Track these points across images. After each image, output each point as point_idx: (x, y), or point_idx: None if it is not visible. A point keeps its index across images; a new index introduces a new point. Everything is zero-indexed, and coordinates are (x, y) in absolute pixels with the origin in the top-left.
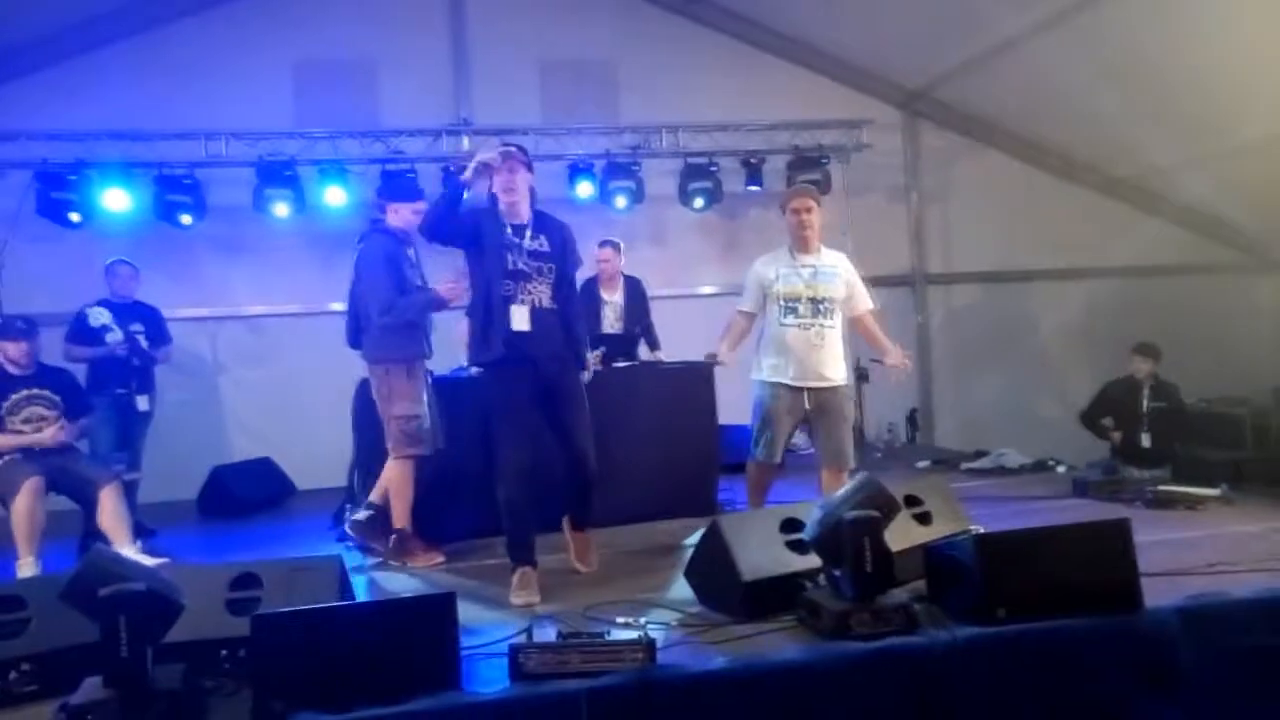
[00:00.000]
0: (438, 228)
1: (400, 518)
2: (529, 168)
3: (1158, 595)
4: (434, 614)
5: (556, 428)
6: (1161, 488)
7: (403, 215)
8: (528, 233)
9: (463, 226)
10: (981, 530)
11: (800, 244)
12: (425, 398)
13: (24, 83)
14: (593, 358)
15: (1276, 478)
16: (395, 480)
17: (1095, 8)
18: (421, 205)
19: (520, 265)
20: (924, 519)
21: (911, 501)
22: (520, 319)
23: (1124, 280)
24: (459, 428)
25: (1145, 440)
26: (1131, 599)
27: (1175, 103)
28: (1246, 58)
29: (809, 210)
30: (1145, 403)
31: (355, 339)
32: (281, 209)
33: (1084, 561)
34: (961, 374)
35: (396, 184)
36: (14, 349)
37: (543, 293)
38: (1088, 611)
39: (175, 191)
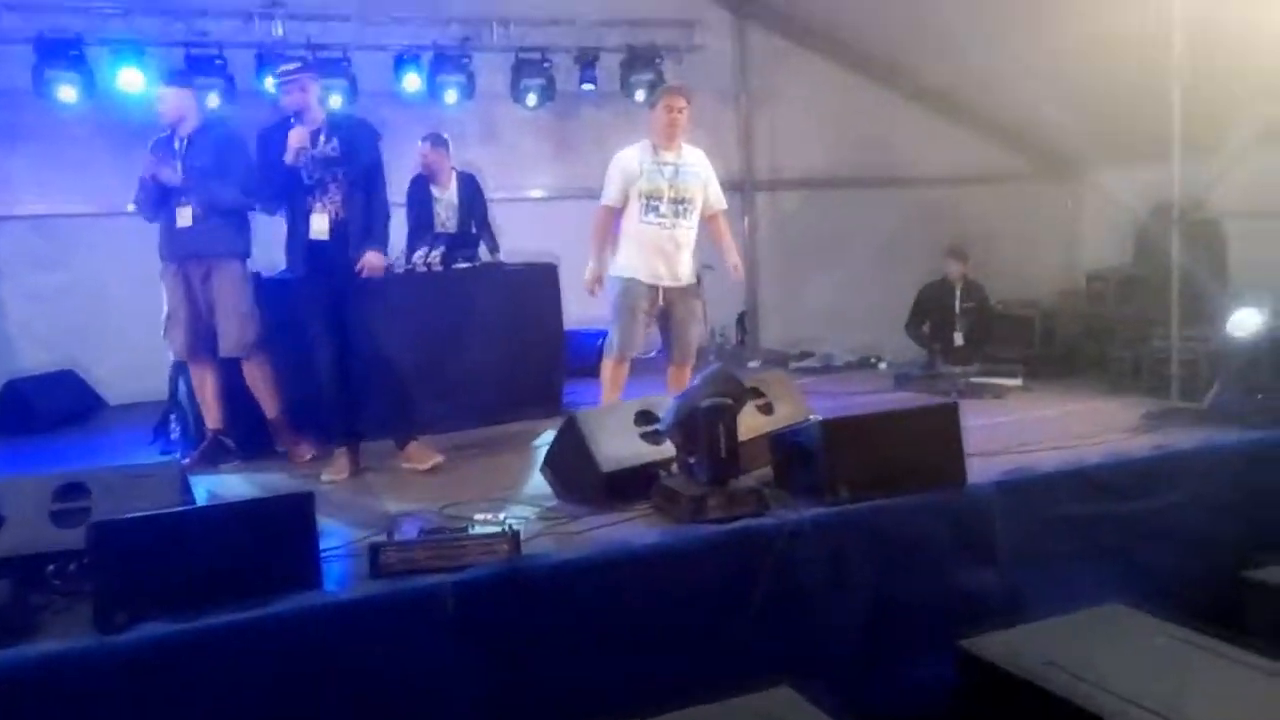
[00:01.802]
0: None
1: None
2: (314, 77)
3: (974, 474)
4: (290, 514)
5: (351, 332)
6: (972, 380)
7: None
8: (321, 139)
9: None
10: (822, 419)
11: (665, 140)
12: (176, 300)
13: None
14: (432, 257)
15: (1062, 372)
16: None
17: None
18: (167, 93)
19: (315, 177)
20: (767, 409)
21: (755, 394)
22: (320, 227)
23: (935, 189)
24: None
25: (958, 339)
26: (958, 475)
27: (994, 6)
28: None
29: (681, 110)
30: (958, 304)
31: None
32: (68, 93)
33: (917, 442)
34: (787, 278)
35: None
36: None
37: (338, 198)
38: (920, 488)
39: None
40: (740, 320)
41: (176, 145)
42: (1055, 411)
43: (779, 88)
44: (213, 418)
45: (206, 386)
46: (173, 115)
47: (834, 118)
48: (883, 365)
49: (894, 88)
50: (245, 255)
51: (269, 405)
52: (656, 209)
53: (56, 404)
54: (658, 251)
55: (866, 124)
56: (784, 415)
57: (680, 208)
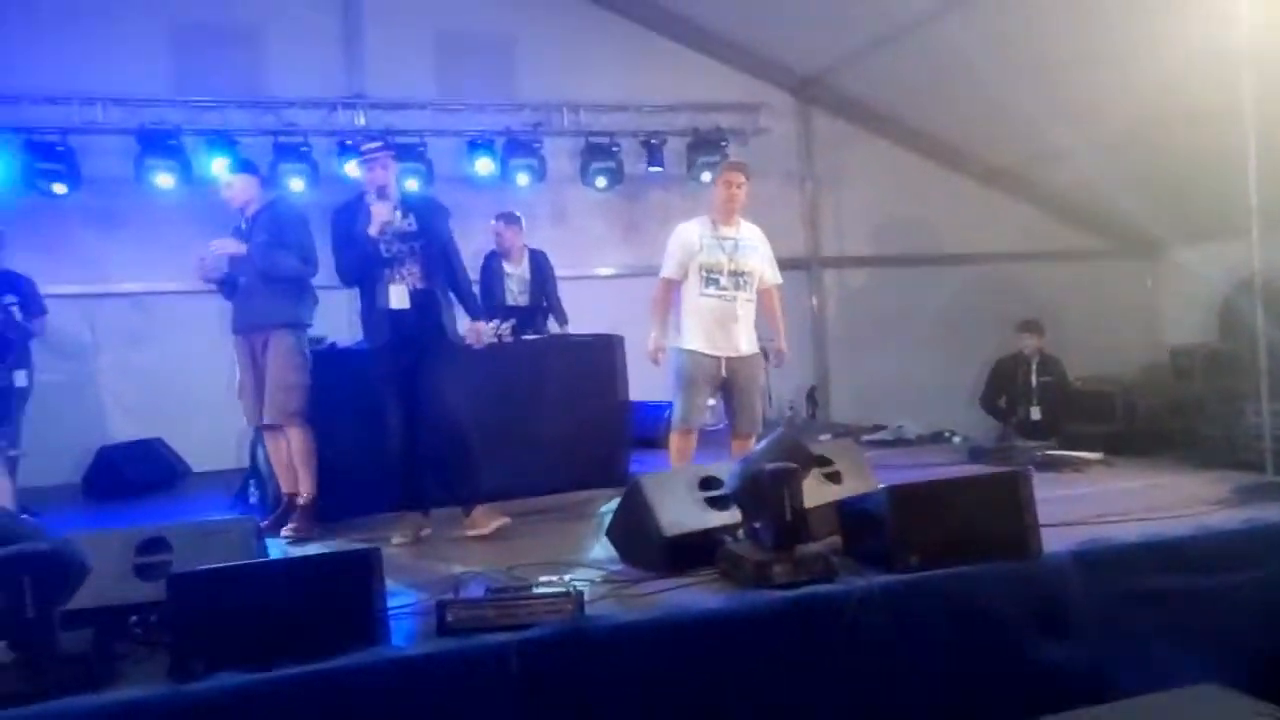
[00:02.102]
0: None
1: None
2: (395, 158)
3: (1050, 545)
4: (358, 569)
5: (425, 401)
6: (1049, 452)
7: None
8: (397, 215)
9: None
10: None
11: (724, 216)
12: (242, 369)
13: None
14: (503, 329)
15: (1146, 448)
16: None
17: None
18: (234, 179)
19: (393, 250)
20: (834, 478)
21: (822, 462)
22: (400, 298)
23: (1006, 265)
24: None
25: (1035, 414)
26: (1030, 545)
27: (1063, 88)
28: (1136, 40)
29: (740, 185)
30: (1034, 378)
31: None
32: (165, 180)
33: (987, 511)
34: (855, 353)
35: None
36: None
37: (416, 271)
38: (991, 557)
39: (46, 159)
40: (810, 394)
41: (243, 226)
42: (1138, 484)
43: (844, 168)
44: (287, 482)
45: (280, 452)
46: (239, 200)
47: (900, 196)
48: (956, 439)
49: (961, 168)
50: (300, 325)
51: (304, 479)
52: (716, 281)
53: (144, 470)
54: (718, 323)
55: (933, 202)
56: (852, 485)
57: (740, 279)
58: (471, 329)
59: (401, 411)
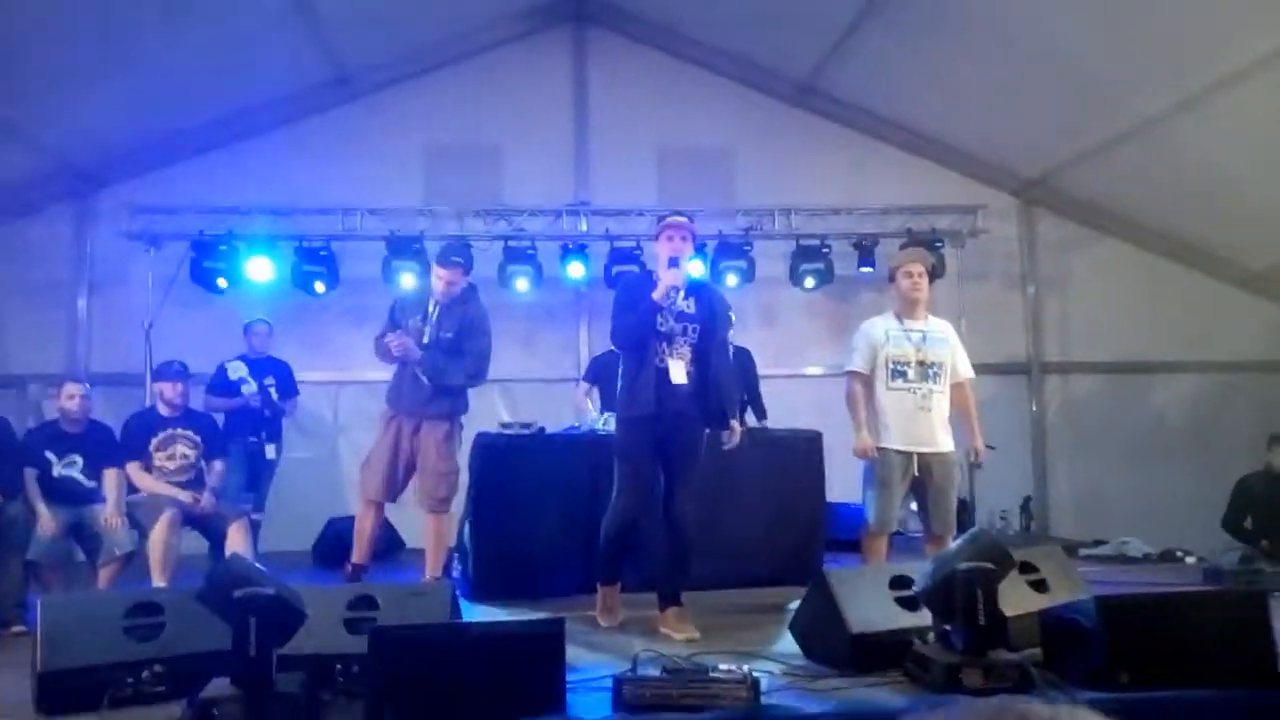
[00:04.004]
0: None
1: (355, 553)
2: (693, 238)
3: None
4: (543, 639)
5: (666, 481)
6: None
7: (433, 278)
8: (680, 295)
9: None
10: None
11: (909, 308)
12: (382, 445)
13: (187, 164)
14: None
15: None
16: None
17: (1235, 85)
18: (438, 270)
19: (668, 326)
20: (1039, 586)
21: (1026, 568)
22: (678, 374)
23: (1252, 373)
24: (565, 483)
25: None
26: (1268, 673)
27: None
28: None
29: (920, 275)
30: None
31: None
32: (408, 280)
33: (1215, 631)
34: (1078, 464)
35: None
36: (170, 389)
37: (686, 354)
38: (1218, 683)
39: (312, 262)
40: (1025, 505)
41: (430, 308)
42: None
43: (1070, 270)
44: (361, 554)
45: (366, 522)
46: (449, 293)
47: (1131, 300)
48: (1190, 559)
49: (1205, 268)
50: (457, 416)
51: (435, 563)
52: (904, 374)
53: None
54: (909, 417)
55: (1168, 306)
56: (1059, 595)
57: (929, 371)
58: (732, 429)
59: (639, 491)
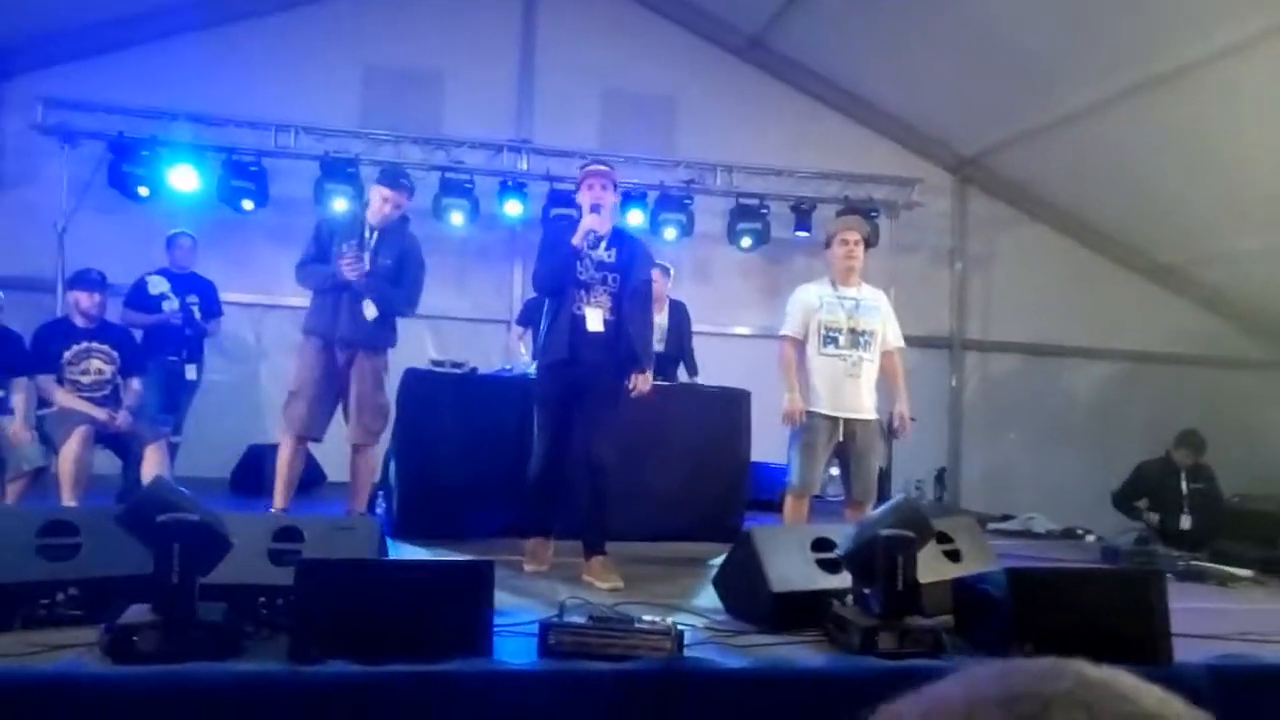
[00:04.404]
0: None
1: (277, 497)
2: (615, 187)
3: (1186, 655)
4: (472, 579)
5: (583, 428)
6: (1194, 562)
7: (372, 197)
8: (602, 245)
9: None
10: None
11: (843, 275)
12: (308, 376)
13: (105, 59)
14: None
15: None
16: (279, 458)
17: (1167, 85)
18: (384, 192)
19: (588, 275)
20: (954, 556)
21: (942, 539)
22: (595, 322)
23: (1160, 365)
24: (494, 425)
25: (1185, 523)
26: (1161, 651)
27: (1243, 187)
28: None
29: (855, 242)
30: (1185, 484)
31: None
32: (340, 204)
33: (1116, 608)
34: (992, 440)
35: (382, 169)
36: (86, 299)
37: (605, 302)
38: (1115, 659)
39: (240, 177)
40: (939, 476)
41: (367, 235)
42: None
43: (996, 250)
44: (284, 497)
45: (291, 459)
46: (391, 216)
47: (1053, 284)
48: (1089, 538)
49: (1123, 260)
50: (387, 349)
51: (362, 498)
52: (835, 340)
53: None
54: (838, 383)
55: (1088, 292)
56: (971, 565)
57: (860, 339)
58: (638, 381)
59: (557, 438)
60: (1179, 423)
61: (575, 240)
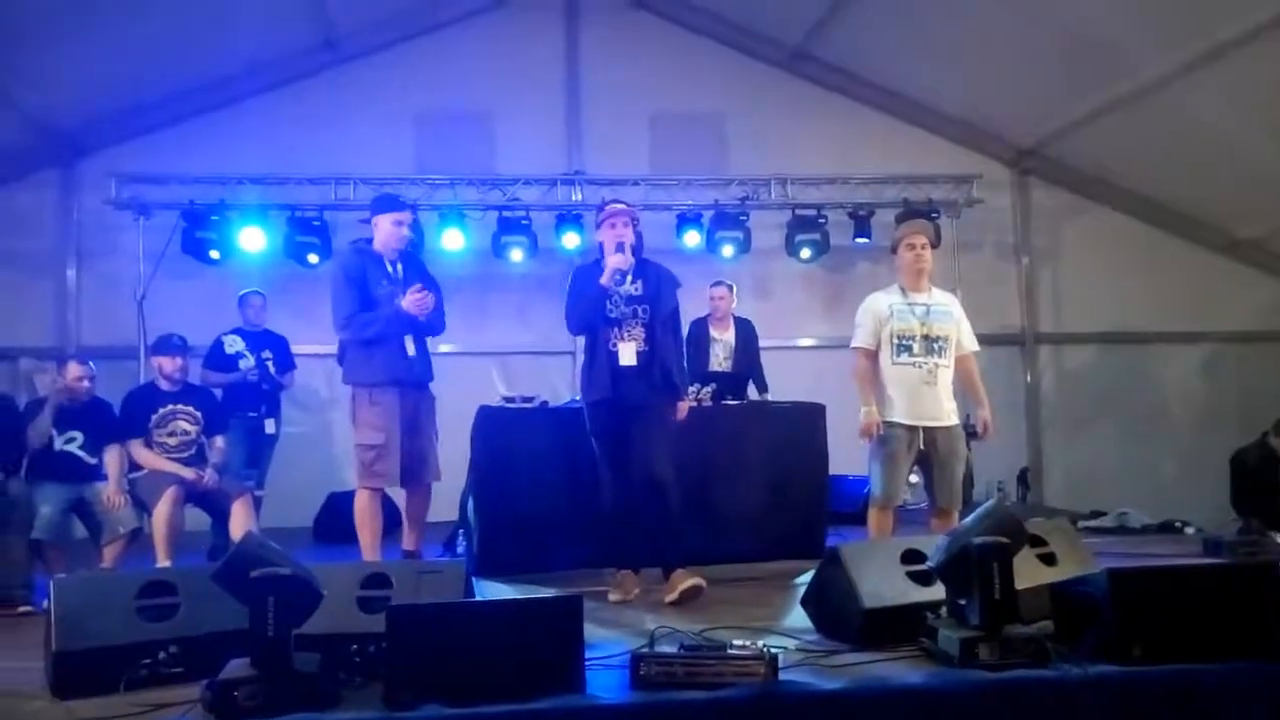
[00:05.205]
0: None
1: (365, 550)
2: (635, 223)
3: None
4: (561, 616)
5: (640, 453)
6: None
7: (382, 228)
8: (628, 279)
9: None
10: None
11: (913, 280)
12: (393, 426)
13: (172, 131)
14: (703, 393)
15: None
16: (357, 511)
17: (1239, 50)
18: (398, 215)
19: (618, 311)
20: (1049, 560)
21: (1036, 542)
22: (628, 356)
23: (1249, 345)
24: (567, 457)
25: None
26: (1278, 647)
27: None
28: None
29: (923, 246)
30: None
31: (340, 358)
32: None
33: (1227, 605)
34: (1073, 435)
35: (378, 198)
36: (169, 363)
37: (639, 334)
38: (1229, 657)
39: (305, 233)
40: (1022, 476)
41: (390, 267)
42: None
43: (1062, 240)
44: (373, 553)
45: (378, 516)
46: (402, 240)
47: (1124, 270)
48: (1189, 530)
49: (1195, 239)
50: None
51: (417, 536)
52: (909, 348)
53: None
54: (914, 392)
55: (1162, 276)
56: (1068, 569)
57: (934, 345)
58: (679, 407)
59: (618, 468)
60: (1273, 406)
61: (603, 280)
